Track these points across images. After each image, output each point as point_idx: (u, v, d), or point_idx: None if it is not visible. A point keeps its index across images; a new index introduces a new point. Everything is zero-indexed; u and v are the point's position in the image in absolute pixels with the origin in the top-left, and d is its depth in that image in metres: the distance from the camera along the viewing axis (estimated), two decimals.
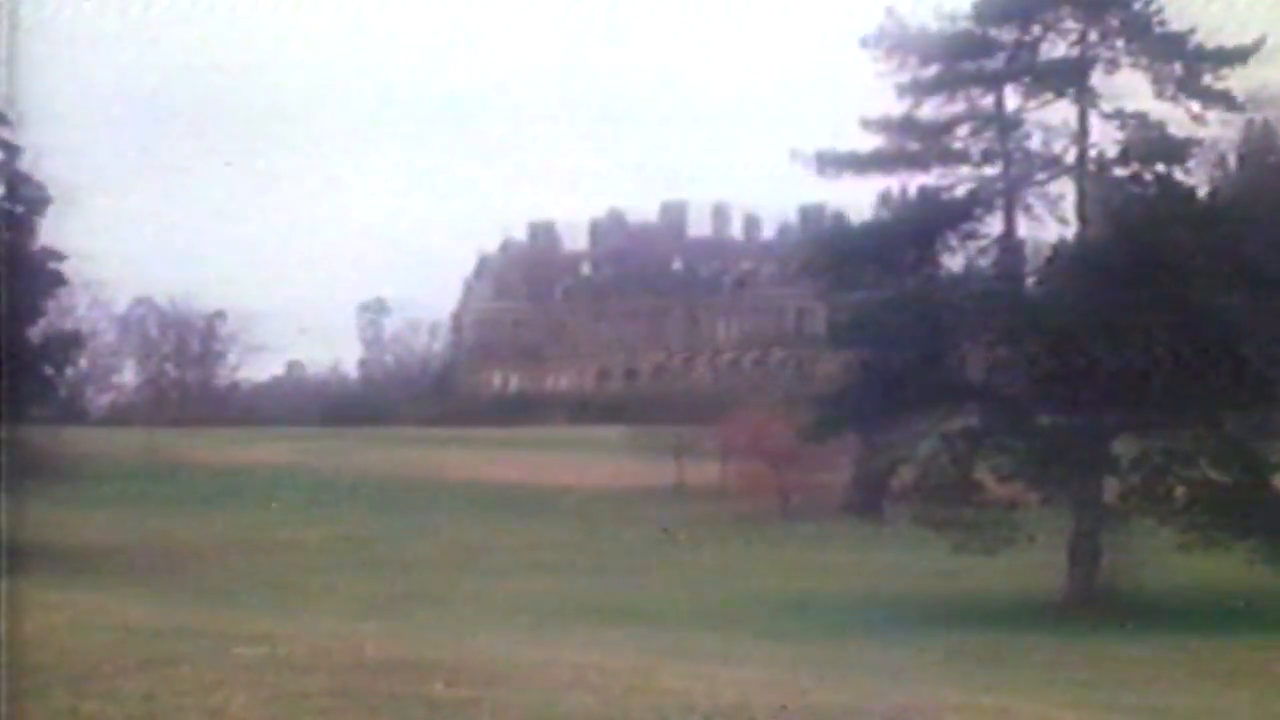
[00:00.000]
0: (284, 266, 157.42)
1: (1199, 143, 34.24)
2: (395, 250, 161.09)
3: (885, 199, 37.15)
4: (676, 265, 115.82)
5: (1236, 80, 33.90)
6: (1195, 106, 33.83)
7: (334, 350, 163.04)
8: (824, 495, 48.35)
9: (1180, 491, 33.16)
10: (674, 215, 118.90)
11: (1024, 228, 35.39)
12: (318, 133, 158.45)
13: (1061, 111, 34.78)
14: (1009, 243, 35.20)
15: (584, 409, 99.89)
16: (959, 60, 34.99)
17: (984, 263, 35.19)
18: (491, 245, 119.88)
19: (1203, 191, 34.66)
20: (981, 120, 35.23)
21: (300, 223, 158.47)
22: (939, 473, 34.15)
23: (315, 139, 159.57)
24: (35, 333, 46.82)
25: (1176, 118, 33.92)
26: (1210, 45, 33.90)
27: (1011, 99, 35.32)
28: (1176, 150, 33.72)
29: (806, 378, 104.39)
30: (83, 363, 78.20)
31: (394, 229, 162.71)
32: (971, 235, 34.97)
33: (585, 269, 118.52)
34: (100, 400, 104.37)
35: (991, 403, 34.93)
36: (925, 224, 34.79)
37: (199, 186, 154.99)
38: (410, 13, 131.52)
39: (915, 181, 35.71)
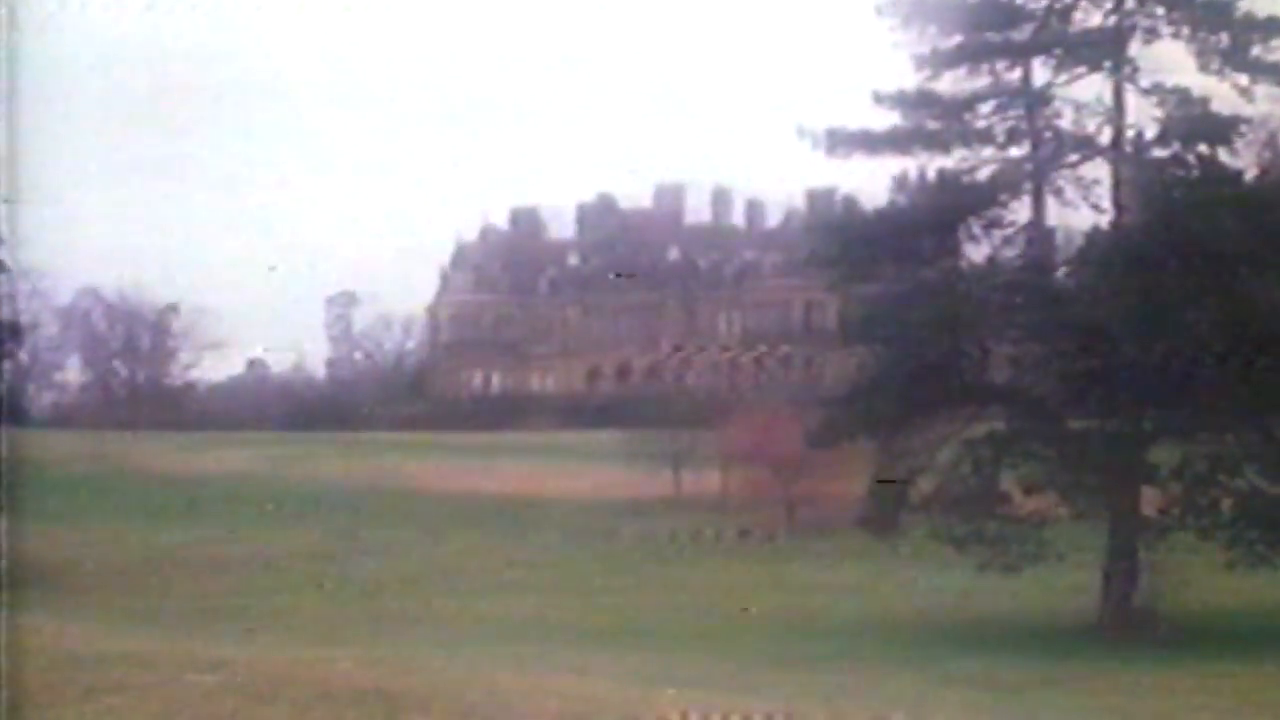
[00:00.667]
0: (244, 255, 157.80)
1: (1246, 120, 34.01)
2: (365, 238, 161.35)
3: (901, 182, 37.11)
4: (673, 254, 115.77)
5: None
6: (1242, 80, 33.68)
7: (298, 347, 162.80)
8: (834, 507, 48.21)
9: (1226, 503, 33.05)
10: (670, 200, 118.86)
11: (1054, 214, 35.30)
12: (282, 114, 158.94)
13: (1095, 86, 34.71)
14: (1037, 230, 35.13)
15: (572, 412, 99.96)
16: (983, 30, 34.92)
17: (1010, 252, 35.12)
18: (470, 232, 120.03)
19: (1250, 174, 34.44)
20: (1007, 96, 35.14)
21: (262, 209, 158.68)
22: (961, 483, 34.07)
23: (279, 120, 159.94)
24: None
25: (1222, 93, 33.80)
26: (1260, 14, 33.79)
27: (1041, 72, 35.26)
28: (1221, 128, 33.56)
29: (815, 378, 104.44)
30: (22, 357, 78.05)
31: (364, 215, 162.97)
32: (996, 222, 34.87)
33: (573, 259, 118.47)
34: (41, 400, 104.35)
35: (1018, 405, 34.87)
36: (945, 209, 34.69)
37: (152, 170, 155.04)
38: None
39: (934, 163, 35.61)
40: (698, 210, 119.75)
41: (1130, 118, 34.44)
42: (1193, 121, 33.50)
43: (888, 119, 35.14)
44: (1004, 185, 34.83)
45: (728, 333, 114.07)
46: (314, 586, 44.79)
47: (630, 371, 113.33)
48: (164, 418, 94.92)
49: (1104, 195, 34.73)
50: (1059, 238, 36.49)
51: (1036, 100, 35.01)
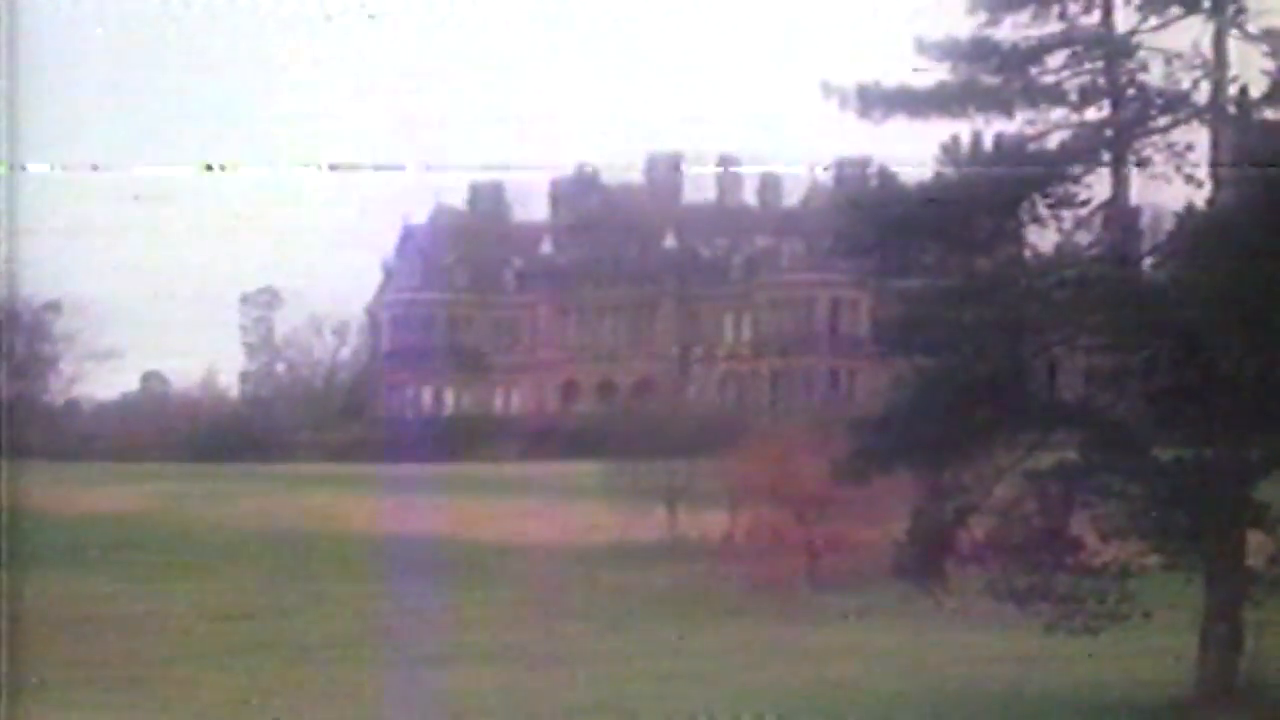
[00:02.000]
0: (139, 241, 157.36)
1: None
2: (289, 221, 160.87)
3: (950, 151, 37.00)
4: (668, 241, 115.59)
5: None
6: None
7: (207, 357, 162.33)
8: (867, 554, 48.20)
9: None
10: (664, 173, 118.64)
11: (1139, 190, 35.20)
12: (186, 58, 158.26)
13: (1191, 32, 34.60)
14: (1118, 210, 35.04)
15: (544, 438, 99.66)
16: None
17: (1084, 237, 35.04)
18: (419, 214, 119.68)
19: None
20: (1082, 44, 35.07)
21: (161, 182, 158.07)
22: (1023, 525, 34.04)
23: (182, 66, 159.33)
24: None
25: None
26: None
27: (1124, 15, 35.15)
28: None
29: (844, 394, 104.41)
30: None
31: (287, 191, 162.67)
32: (1067, 200, 34.79)
33: (545, 246, 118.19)
34: None
35: (1094, 429, 34.77)
36: (1005, 185, 34.61)
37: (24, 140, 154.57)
38: None
39: (991, 127, 35.56)
40: (699, 185, 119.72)
41: (1234, 71, 34.35)
42: None
43: (934, 74, 35.09)
44: (1077, 154, 34.77)
45: (736, 338, 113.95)
46: (224, 654, 44.69)
47: (616, 387, 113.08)
48: (39, 444, 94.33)
49: (1201, 166, 34.63)
50: (1145, 219, 36.47)
51: (1119, 50, 34.93)
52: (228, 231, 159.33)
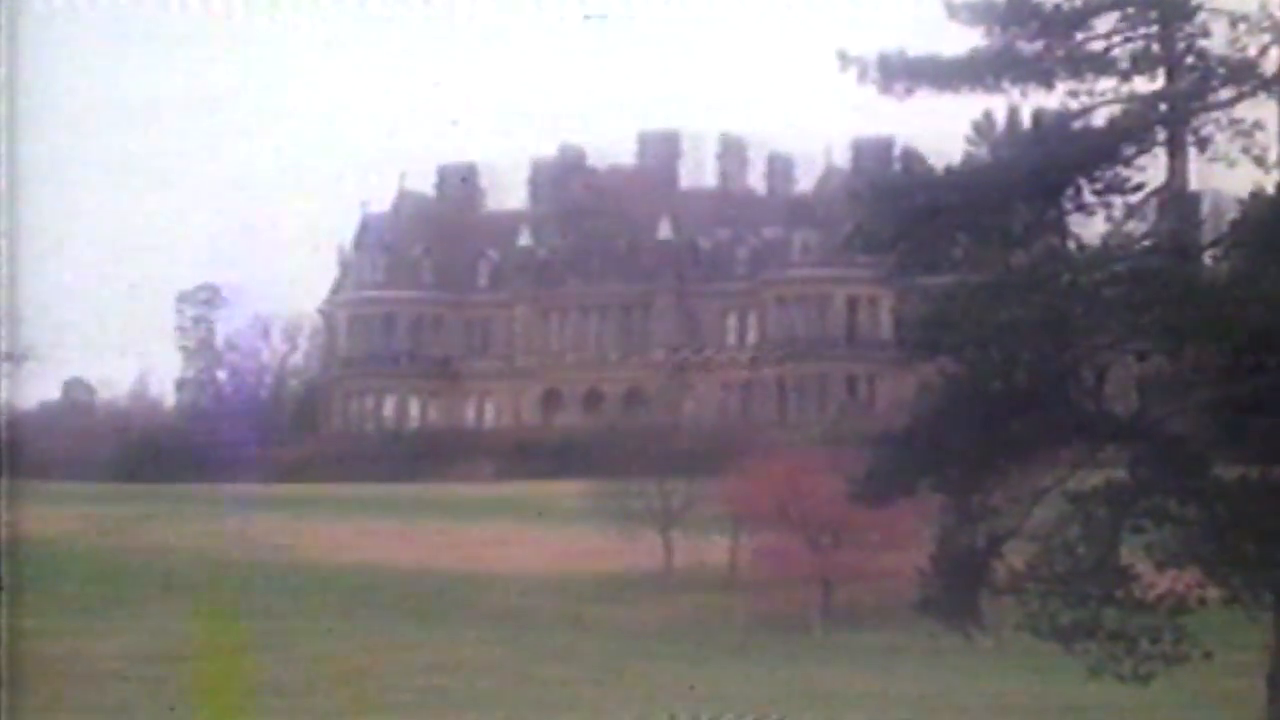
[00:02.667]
0: (64, 232, 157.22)
1: None
2: (233, 208, 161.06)
3: (983, 129, 36.90)
4: (663, 232, 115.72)
5: None
6: None
7: (139, 362, 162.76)
8: (888, 586, 48.21)
9: None
10: (659, 154, 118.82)
11: (1198, 173, 34.97)
12: (122, 38, 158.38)
13: None
14: (1175, 196, 34.82)
15: (521, 454, 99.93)
16: None
17: (1136, 227, 34.83)
18: (380, 199, 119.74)
19: None
20: (1135, 6, 34.88)
21: (87, 166, 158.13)
22: (1066, 553, 33.74)
23: (115, 45, 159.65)
24: None
25: None
26: None
27: None
28: None
29: (862, 405, 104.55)
30: None
31: (232, 175, 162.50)
32: (1117, 185, 34.58)
33: (523, 237, 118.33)
34: None
35: (1147, 444, 34.54)
36: (1046, 167, 34.39)
37: None
38: None
39: (1030, 102, 35.34)
40: (698, 168, 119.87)
41: None
42: None
43: (965, 40, 34.86)
44: (1128, 132, 34.52)
45: (740, 342, 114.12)
46: (153, 698, 44.55)
47: (603, 396, 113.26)
48: None
49: (1270, 145, 34.44)
50: (1205, 206, 36.26)
51: (1176, 11, 34.75)
52: (162, 219, 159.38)
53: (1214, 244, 35.79)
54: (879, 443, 38.36)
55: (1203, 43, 34.76)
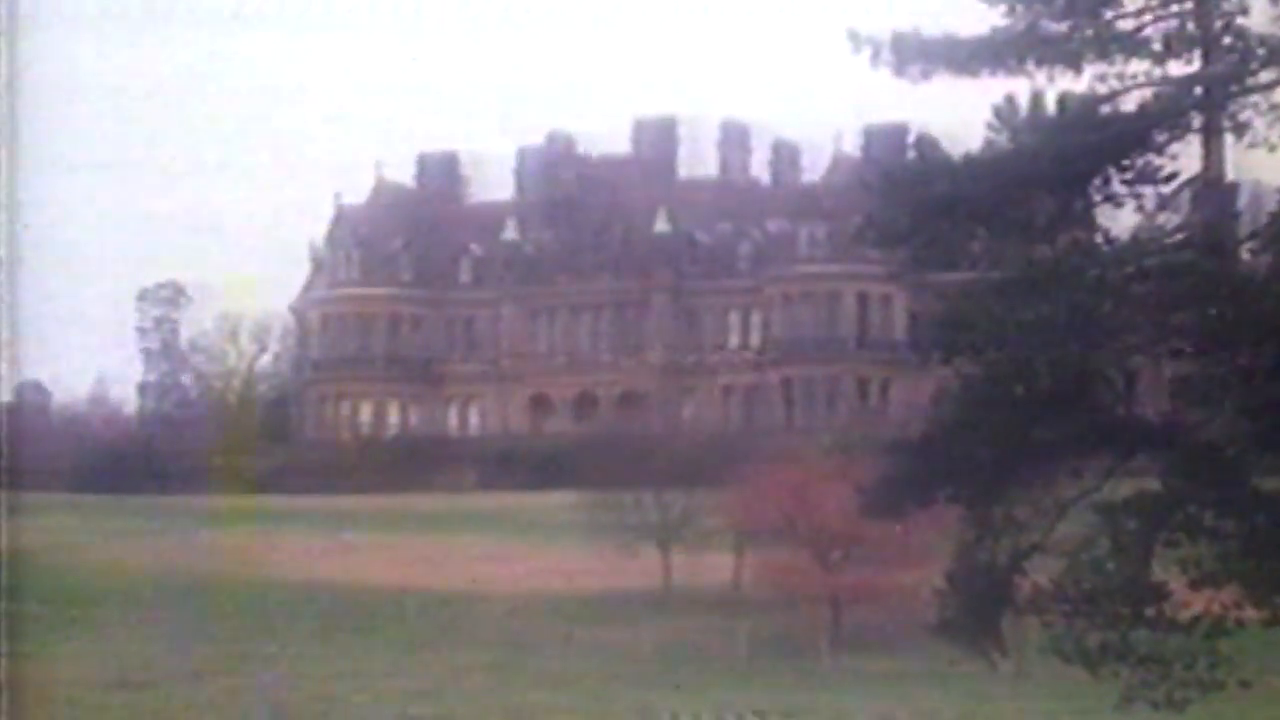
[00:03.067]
0: (16, 226, 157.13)
1: None
2: (198, 200, 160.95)
3: (1004, 115, 36.79)
4: (660, 225, 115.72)
5: None
6: None
7: (97, 364, 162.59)
8: (902, 606, 48.16)
9: None
10: (655, 142, 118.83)
11: (1236, 161, 34.94)
12: (79, 24, 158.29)
13: None
14: (1211, 185, 34.77)
15: (508, 463, 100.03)
16: None
17: (1169, 219, 34.80)
18: (355, 191, 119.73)
19: None
20: None
21: (41, 157, 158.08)
22: (1094, 569, 33.70)
23: (71, 32, 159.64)
24: None
25: None
26: None
27: None
28: None
29: (874, 410, 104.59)
30: None
31: (198, 164, 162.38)
32: (1148, 174, 34.52)
33: (509, 231, 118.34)
34: None
35: (1181, 452, 34.48)
36: (1072, 156, 34.34)
37: None
38: None
39: (1055, 85, 35.28)
40: (697, 157, 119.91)
41: None
42: None
43: (985, 20, 34.84)
44: (1161, 117, 34.48)
45: (742, 342, 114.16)
46: None
47: (596, 401, 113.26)
48: None
49: None
50: (1243, 196, 36.24)
51: None
52: (121, 212, 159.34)
53: (1252, 237, 35.76)
54: (892, 451, 38.28)
55: (1241, 21, 34.73)
